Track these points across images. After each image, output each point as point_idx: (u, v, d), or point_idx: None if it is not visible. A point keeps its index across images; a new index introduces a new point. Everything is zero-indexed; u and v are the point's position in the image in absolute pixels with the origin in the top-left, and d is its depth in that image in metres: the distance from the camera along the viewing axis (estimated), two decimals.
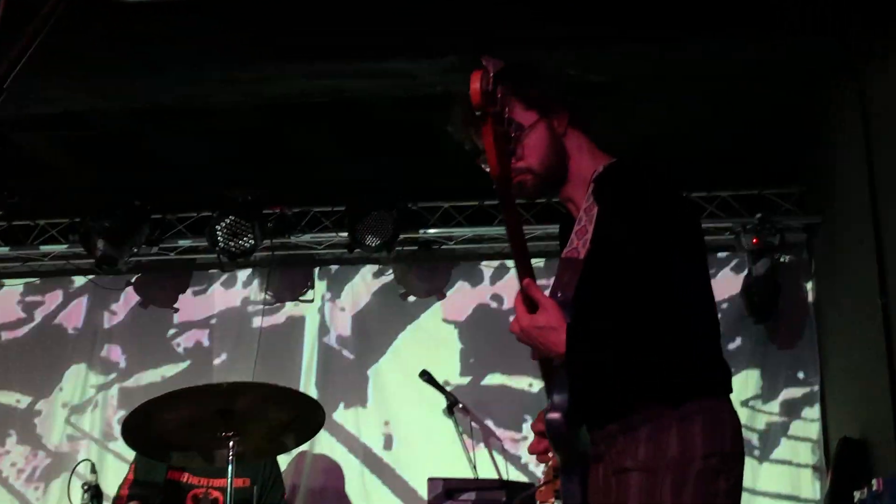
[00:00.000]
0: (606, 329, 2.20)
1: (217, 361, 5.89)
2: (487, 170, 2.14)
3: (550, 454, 2.51)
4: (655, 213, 2.23)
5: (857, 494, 2.75)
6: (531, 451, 2.58)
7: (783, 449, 5.51)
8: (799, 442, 5.51)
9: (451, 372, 5.76)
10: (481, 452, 5.10)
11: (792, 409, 5.58)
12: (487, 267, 6.02)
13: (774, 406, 5.59)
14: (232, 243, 5.64)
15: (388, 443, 5.82)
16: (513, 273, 5.99)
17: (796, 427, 5.57)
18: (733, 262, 5.67)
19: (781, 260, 5.63)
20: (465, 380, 5.77)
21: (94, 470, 4.15)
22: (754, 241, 5.40)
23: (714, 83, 4.87)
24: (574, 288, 2.24)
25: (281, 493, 4.88)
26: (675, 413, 2.21)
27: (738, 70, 4.76)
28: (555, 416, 2.20)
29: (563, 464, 2.33)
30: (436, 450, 5.46)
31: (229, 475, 3.61)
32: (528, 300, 2.20)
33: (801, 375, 5.61)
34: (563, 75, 2.48)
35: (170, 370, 6.02)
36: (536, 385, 5.60)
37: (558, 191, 2.44)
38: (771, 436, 5.55)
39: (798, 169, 5.57)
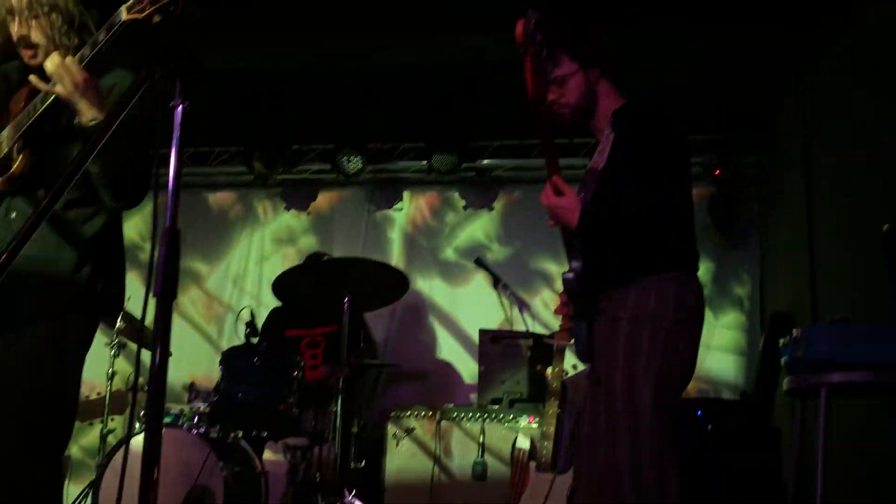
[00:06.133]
0: (610, 213, 2.21)
1: (337, 245, 6.00)
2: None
3: (567, 311, 2.67)
4: (658, 139, 2.24)
5: (781, 341, 2.63)
6: (556, 312, 2.77)
7: (731, 318, 5.59)
8: (742, 315, 5.57)
9: (497, 258, 5.92)
10: (516, 314, 5.55)
11: (738, 292, 5.61)
12: (525, 189, 5.96)
13: (726, 289, 5.61)
14: (347, 167, 5.78)
15: (453, 306, 5.89)
16: (539, 194, 5.76)
17: (741, 303, 5.58)
18: (702, 188, 5.51)
19: (738, 186, 5.58)
20: (508, 264, 5.86)
21: (252, 314, 4.14)
22: (717, 171, 5.47)
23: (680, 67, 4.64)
24: (593, 190, 2.29)
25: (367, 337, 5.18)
26: (656, 280, 2.23)
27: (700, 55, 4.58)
28: (569, 275, 2.28)
29: (575, 312, 2.38)
30: (485, 311, 5.73)
31: (345, 322, 3.78)
32: (556, 189, 2.27)
33: (746, 268, 5.66)
34: (601, 38, 2.43)
35: (303, 252, 6.04)
36: (553, 267, 5.74)
37: (589, 122, 2.44)
38: (723, 309, 5.57)
39: (753, 122, 5.52)
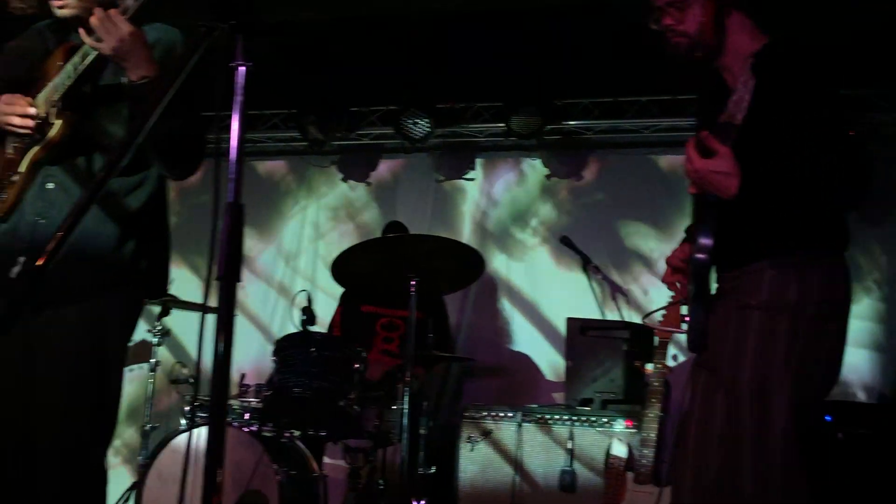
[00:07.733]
0: (770, 182, 2.12)
1: (400, 220, 5.83)
2: (653, 27, 2.22)
3: (678, 284, 2.50)
4: (817, 87, 2.18)
5: None
6: (665, 280, 2.54)
7: (865, 306, 5.46)
8: (879, 302, 5.48)
9: (587, 235, 5.83)
10: (608, 300, 5.54)
11: (874, 276, 5.54)
12: (620, 154, 6.02)
13: (859, 273, 5.47)
14: (413, 131, 5.91)
15: (535, 291, 5.96)
16: (637, 160, 5.85)
17: (878, 289, 5.53)
18: None
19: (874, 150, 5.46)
20: (599, 242, 5.83)
21: (309, 298, 4.16)
22: (850, 132, 5.36)
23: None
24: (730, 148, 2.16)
25: (447, 325, 5.28)
26: (798, 261, 2.16)
27: None
28: (702, 258, 2.16)
29: (694, 294, 2.30)
30: (573, 297, 5.73)
31: (412, 307, 3.76)
32: (702, 148, 2.15)
33: (884, 247, 5.56)
34: None
35: (361, 227, 6.32)
36: (653, 246, 5.77)
37: (715, 61, 2.36)
38: (855, 296, 5.47)
39: (893, 72, 5.33)
